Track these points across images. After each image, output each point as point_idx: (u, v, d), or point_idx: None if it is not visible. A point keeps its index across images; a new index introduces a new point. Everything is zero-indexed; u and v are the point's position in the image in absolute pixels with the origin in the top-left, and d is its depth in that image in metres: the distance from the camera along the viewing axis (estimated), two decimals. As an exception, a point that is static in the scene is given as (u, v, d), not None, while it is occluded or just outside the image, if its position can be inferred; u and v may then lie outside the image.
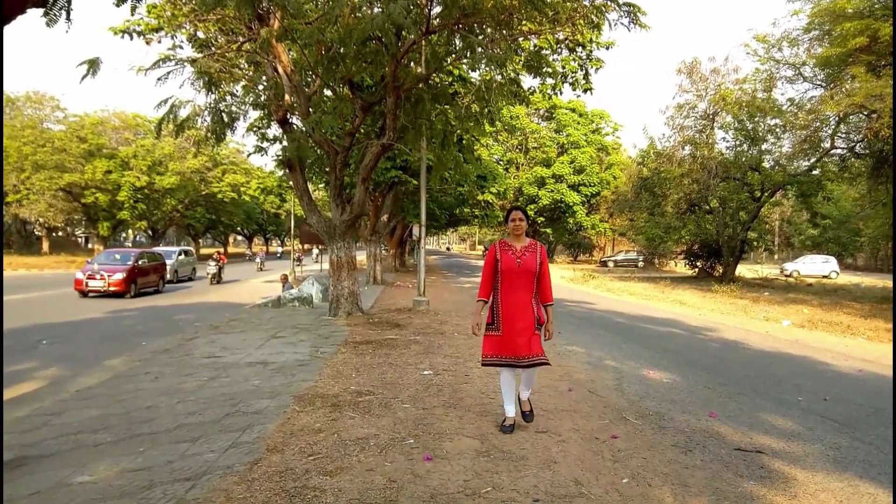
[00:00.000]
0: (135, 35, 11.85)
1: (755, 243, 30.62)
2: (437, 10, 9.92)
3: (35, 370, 7.28)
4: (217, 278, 23.78)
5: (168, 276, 21.86)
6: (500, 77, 10.15)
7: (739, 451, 4.42)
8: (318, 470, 3.74)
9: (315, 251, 41.24)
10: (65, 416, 4.96)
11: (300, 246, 61.62)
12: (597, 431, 4.75)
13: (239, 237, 76.98)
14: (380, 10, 8.29)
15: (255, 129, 16.58)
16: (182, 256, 25.58)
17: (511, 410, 4.65)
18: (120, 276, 16.84)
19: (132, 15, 11.34)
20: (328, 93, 13.24)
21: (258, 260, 34.99)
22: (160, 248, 26.62)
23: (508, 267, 4.36)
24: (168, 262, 22.31)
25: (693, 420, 5.22)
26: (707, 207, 28.50)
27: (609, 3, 9.27)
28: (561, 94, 13.04)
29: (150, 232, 46.40)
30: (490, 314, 4.44)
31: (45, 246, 43.82)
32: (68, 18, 3.92)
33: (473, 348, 8.47)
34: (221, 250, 28.55)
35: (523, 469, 3.84)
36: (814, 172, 24.68)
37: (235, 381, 6.24)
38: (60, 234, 51.37)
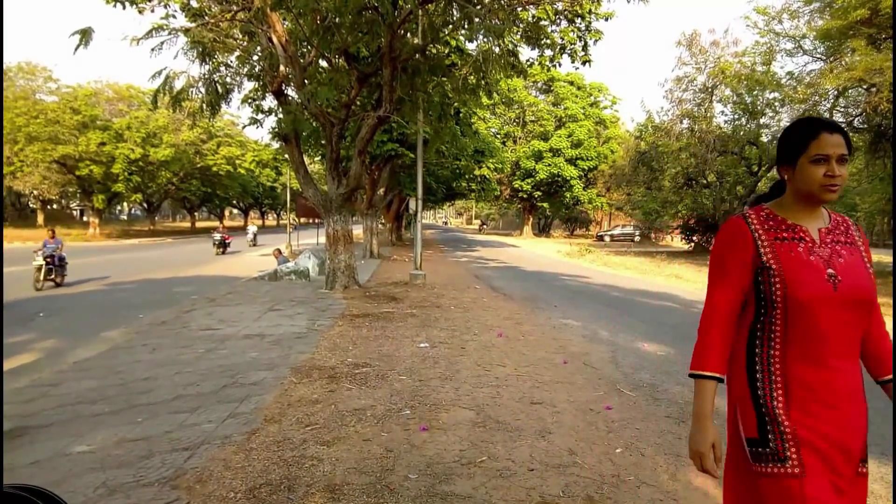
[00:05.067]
0: (127, 4, 11.62)
1: (752, 218, 30.58)
2: (434, -22, 9.75)
3: (33, 342, 7.31)
4: None
5: None
6: (497, 48, 9.99)
7: (731, 422, 4.48)
8: (316, 440, 3.78)
9: (250, 230, 33.04)
10: (63, 387, 4.99)
11: (221, 224, 54.30)
12: (591, 403, 4.81)
13: (235, 210, 76.59)
14: (376, -22, 8.14)
15: (249, 100, 16.36)
16: None
17: None
18: None
19: None
20: (324, 64, 13.04)
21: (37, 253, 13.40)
22: None
23: (816, 294, 1.53)
24: None
25: (687, 392, 5.27)
26: (704, 182, 28.42)
27: (609, -28, 9.13)
28: (559, 66, 12.88)
29: (145, 205, 46.16)
30: (751, 417, 1.66)
31: (41, 219, 43.62)
32: None
33: (470, 321, 8.51)
34: None
35: (518, 439, 3.89)
36: (812, 147, 24.54)
37: (233, 353, 6.28)
38: (55, 206, 51.05)
